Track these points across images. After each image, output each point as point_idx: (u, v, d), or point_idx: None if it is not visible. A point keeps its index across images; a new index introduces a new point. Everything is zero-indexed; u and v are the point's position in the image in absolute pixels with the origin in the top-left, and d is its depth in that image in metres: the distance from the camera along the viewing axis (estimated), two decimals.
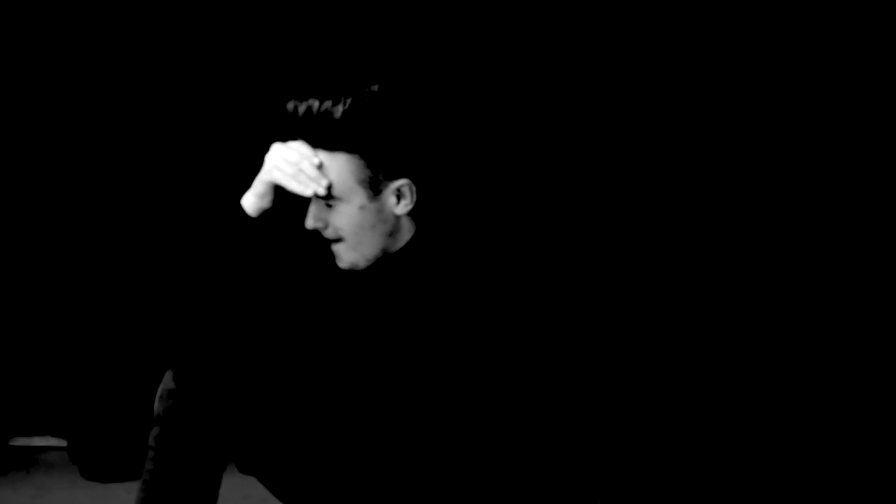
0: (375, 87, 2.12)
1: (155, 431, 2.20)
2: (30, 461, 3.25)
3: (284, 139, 2.16)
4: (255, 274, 2.19)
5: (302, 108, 2.11)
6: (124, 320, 3.15)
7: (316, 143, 2.13)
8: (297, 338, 2.24)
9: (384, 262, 2.20)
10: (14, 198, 3.17)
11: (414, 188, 2.16)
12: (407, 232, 2.21)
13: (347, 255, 2.19)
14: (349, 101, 2.09)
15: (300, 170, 2.13)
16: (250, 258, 2.18)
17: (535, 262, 2.30)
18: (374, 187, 2.14)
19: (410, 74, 2.95)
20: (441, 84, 3.02)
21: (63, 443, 3.25)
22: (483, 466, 2.16)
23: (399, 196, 2.16)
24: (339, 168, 2.12)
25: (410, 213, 2.19)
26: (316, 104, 2.10)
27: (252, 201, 2.18)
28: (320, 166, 2.12)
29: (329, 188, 2.13)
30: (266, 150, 2.18)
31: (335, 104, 2.09)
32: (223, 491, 2.31)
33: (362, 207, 2.14)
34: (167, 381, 2.21)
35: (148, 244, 3.12)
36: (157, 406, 2.21)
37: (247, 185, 2.20)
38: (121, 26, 3.07)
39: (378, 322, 2.18)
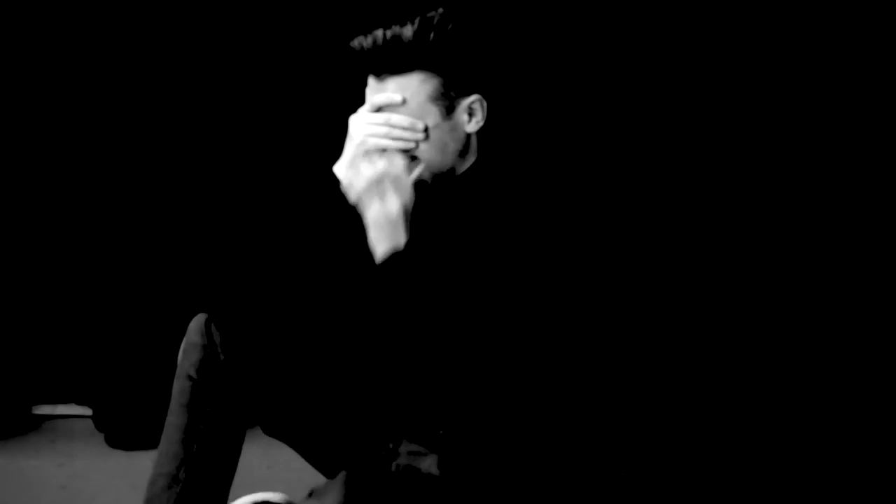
0: (440, 9, 2.11)
1: (179, 384, 2.19)
2: (54, 429, 3.24)
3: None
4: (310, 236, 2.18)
5: (368, 40, 2.11)
6: (151, 288, 3.14)
7: (386, 70, 2.13)
8: (334, 290, 2.21)
9: (448, 184, 2.20)
10: (38, 173, 3.16)
11: (485, 104, 2.17)
12: (472, 154, 2.21)
13: (417, 170, 2.17)
14: (417, 20, 2.09)
15: (391, 126, 2.13)
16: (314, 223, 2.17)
17: (581, 207, 2.25)
18: (447, 105, 2.15)
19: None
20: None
21: (88, 411, 3.24)
22: (511, 424, 2.14)
23: (471, 113, 2.17)
24: (413, 89, 2.13)
25: (478, 135, 2.19)
26: (381, 32, 2.10)
27: (347, 174, 2.16)
28: (403, 102, 2.12)
29: (404, 102, 2.12)
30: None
31: (403, 26, 2.09)
32: (248, 458, 2.29)
33: (436, 126, 2.15)
34: (192, 334, 2.19)
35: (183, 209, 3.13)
36: (179, 360, 2.19)
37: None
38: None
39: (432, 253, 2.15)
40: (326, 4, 3.02)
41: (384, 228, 2.12)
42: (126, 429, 3.12)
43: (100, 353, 3.18)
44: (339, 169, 2.19)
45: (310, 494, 2.30)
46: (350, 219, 2.16)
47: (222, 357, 2.17)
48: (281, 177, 3.08)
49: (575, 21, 2.98)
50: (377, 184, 2.13)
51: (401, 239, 2.12)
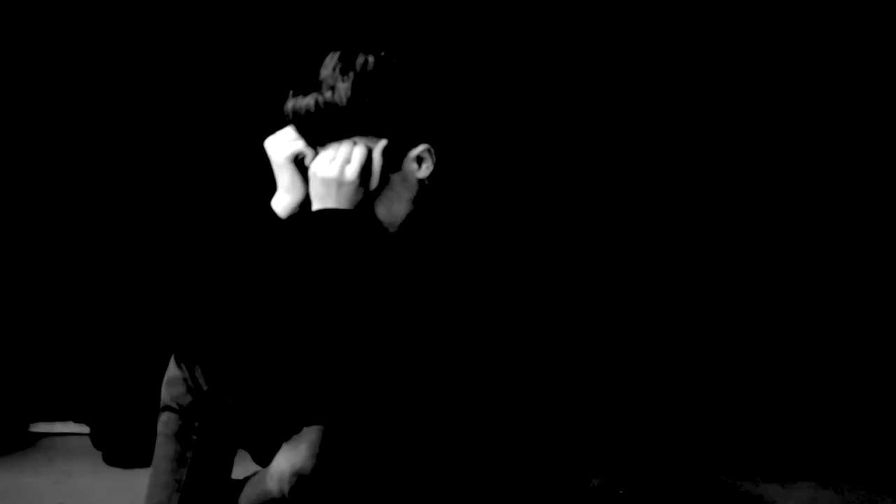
0: (365, 61, 2.03)
1: (164, 415, 2.20)
2: (52, 447, 3.23)
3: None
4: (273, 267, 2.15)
5: (302, 110, 2.04)
6: (146, 306, 3.14)
7: (328, 139, 2.07)
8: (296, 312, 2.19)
9: (404, 223, 2.15)
10: (38, 190, 3.17)
11: (433, 151, 2.10)
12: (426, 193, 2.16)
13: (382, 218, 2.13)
14: (349, 84, 2.01)
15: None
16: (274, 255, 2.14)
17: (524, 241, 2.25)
18: (394, 160, 2.08)
19: (388, 40, 2.90)
20: (433, 46, 2.95)
21: (85, 429, 3.24)
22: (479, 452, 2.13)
23: (420, 161, 2.10)
24: (363, 149, 2.06)
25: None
26: (313, 101, 2.03)
27: (284, 198, 2.14)
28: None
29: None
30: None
31: (335, 93, 2.02)
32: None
33: (387, 181, 2.09)
34: (172, 368, 2.20)
35: (164, 234, 3.13)
36: (163, 393, 2.20)
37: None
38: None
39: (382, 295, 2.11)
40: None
41: (331, 188, 2.06)
42: (123, 447, 3.11)
43: (97, 371, 3.17)
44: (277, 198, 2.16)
45: None
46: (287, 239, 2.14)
47: (204, 388, 2.18)
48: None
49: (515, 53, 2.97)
50: (342, 153, 2.06)
51: (342, 204, 2.07)
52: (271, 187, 2.17)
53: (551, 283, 2.18)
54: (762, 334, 3.02)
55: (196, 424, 2.18)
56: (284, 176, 2.13)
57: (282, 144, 2.11)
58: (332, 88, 2.02)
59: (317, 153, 2.09)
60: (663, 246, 3.03)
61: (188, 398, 2.19)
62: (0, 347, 3.21)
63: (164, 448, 2.21)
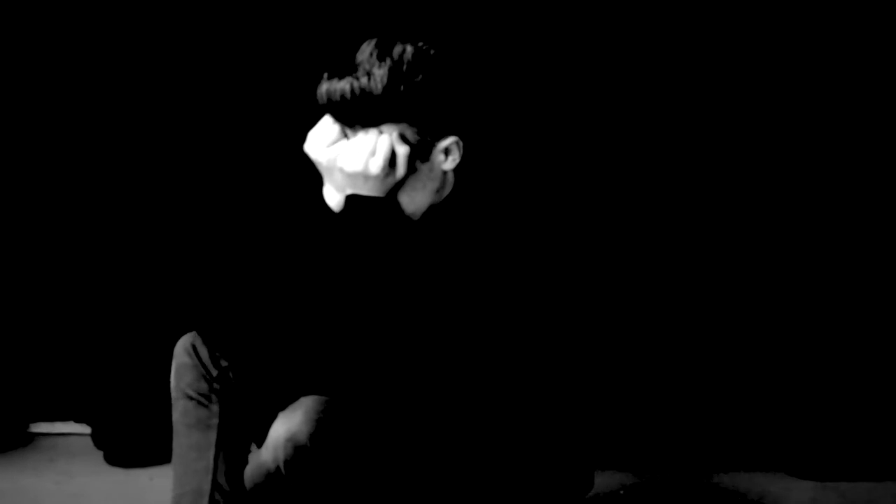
0: (403, 49, 2.04)
1: (179, 406, 2.23)
2: (53, 447, 3.23)
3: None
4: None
5: (336, 94, 2.05)
6: (147, 305, 3.13)
7: (356, 123, 2.08)
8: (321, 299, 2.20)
9: (426, 213, 2.17)
10: (38, 190, 3.16)
11: (461, 144, 2.12)
12: (449, 185, 2.18)
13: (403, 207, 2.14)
14: (386, 70, 2.02)
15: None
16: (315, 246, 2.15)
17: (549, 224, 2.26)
18: (422, 149, 2.10)
19: (427, 32, 2.91)
20: (470, 39, 2.96)
21: (86, 428, 3.23)
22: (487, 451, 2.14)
23: (447, 153, 2.12)
24: (388, 140, 2.07)
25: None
26: (348, 86, 2.04)
27: (335, 194, 2.13)
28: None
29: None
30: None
31: (371, 79, 2.03)
32: None
33: (415, 170, 2.11)
34: (180, 356, 2.23)
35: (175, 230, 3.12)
36: (173, 383, 2.24)
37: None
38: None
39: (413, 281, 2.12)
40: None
41: (357, 180, 2.07)
42: (125, 446, 3.10)
43: (98, 371, 3.16)
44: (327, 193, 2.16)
45: None
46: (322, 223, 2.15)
47: (214, 372, 2.20)
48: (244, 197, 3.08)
49: (545, 51, 2.98)
50: (367, 146, 2.07)
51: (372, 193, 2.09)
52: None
53: (563, 280, 2.18)
54: (762, 334, 3.03)
55: (216, 409, 2.20)
56: (336, 177, 2.12)
57: (323, 148, 2.11)
58: (369, 74, 2.03)
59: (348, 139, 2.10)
60: (662, 246, 3.04)
61: (202, 384, 2.20)
62: (0, 347, 3.20)
63: (185, 437, 2.21)
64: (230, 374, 2.22)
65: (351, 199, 2.09)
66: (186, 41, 3.04)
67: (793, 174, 2.98)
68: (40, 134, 3.13)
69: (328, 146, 2.10)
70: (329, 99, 2.06)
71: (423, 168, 2.12)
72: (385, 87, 2.03)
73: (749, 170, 2.99)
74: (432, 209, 2.16)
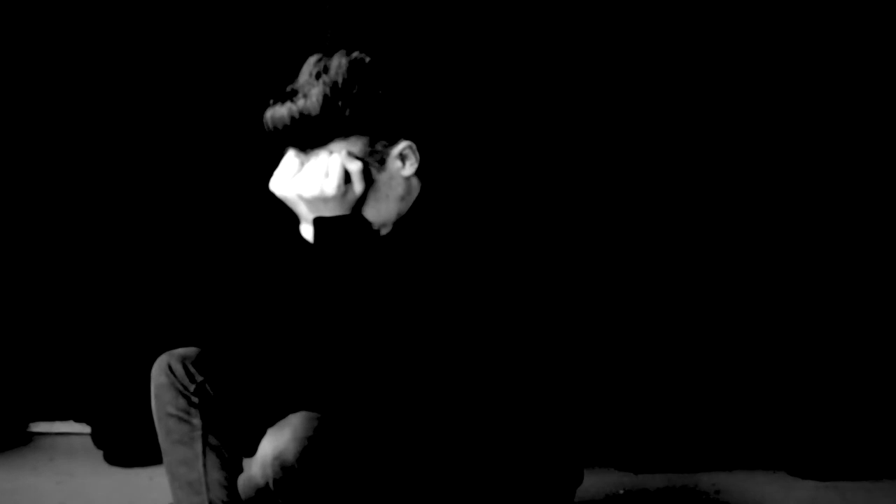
0: (339, 64, 2.04)
1: (162, 425, 2.25)
2: (53, 446, 3.23)
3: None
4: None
5: (279, 121, 2.04)
6: (147, 305, 3.13)
7: (309, 147, 2.07)
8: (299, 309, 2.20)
9: (398, 223, 2.16)
10: (38, 190, 3.16)
11: (415, 147, 2.11)
12: (415, 190, 2.16)
13: (371, 220, 2.13)
14: (320, 90, 2.02)
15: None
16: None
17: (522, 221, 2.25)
18: (378, 158, 2.09)
19: (370, 39, 2.89)
20: (406, 41, 2.93)
21: (86, 428, 3.23)
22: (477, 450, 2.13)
23: (403, 158, 2.11)
24: (338, 159, 2.06)
25: (417, 172, 2.14)
26: (286, 111, 2.03)
27: (309, 228, 2.13)
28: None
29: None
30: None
31: (307, 100, 2.02)
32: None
33: (373, 181, 2.10)
34: (157, 377, 2.25)
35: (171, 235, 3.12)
36: (154, 405, 2.26)
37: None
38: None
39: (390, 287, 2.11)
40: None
41: (318, 205, 2.07)
42: (124, 446, 3.11)
43: (98, 370, 3.16)
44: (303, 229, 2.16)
45: None
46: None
47: (192, 388, 2.22)
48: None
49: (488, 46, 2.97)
50: (319, 169, 2.07)
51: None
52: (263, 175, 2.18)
53: (545, 280, 2.17)
54: (763, 334, 3.03)
55: (198, 422, 2.21)
56: (301, 209, 2.12)
57: (286, 184, 2.09)
58: (305, 96, 2.03)
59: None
60: (662, 246, 3.03)
61: (181, 401, 2.22)
62: (0, 347, 3.20)
63: (173, 455, 2.24)
64: (208, 388, 2.22)
65: (317, 222, 2.08)
66: (182, 72, 3.04)
67: (791, 174, 2.98)
68: (45, 139, 3.14)
69: (290, 179, 2.09)
70: (274, 127, 2.06)
71: (382, 178, 2.11)
72: (323, 106, 2.03)
73: (746, 168, 2.99)
74: (403, 217, 2.16)
